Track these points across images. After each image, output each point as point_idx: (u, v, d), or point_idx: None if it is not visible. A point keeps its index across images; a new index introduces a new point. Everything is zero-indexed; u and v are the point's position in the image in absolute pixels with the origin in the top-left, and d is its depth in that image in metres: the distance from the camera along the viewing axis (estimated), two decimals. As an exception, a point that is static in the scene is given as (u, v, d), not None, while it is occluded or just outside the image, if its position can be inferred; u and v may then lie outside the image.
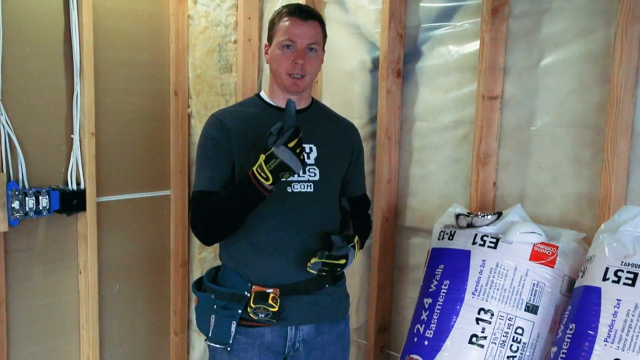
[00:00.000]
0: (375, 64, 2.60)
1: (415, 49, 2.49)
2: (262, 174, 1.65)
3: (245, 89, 3.07)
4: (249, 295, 1.86)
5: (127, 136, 2.94)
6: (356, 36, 2.68)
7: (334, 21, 2.78)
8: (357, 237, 1.89)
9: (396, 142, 2.54)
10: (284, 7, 1.90)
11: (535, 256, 1.86)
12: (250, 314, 1.85)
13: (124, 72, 2.90)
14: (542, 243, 1.89)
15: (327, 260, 1.78)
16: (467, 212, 2.13)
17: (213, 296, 1.91)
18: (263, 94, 1.97)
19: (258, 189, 1.68)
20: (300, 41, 1.83)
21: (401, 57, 2.51)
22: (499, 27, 2.15)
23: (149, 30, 2.99)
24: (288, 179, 1.82)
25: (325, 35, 1.92)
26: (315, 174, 1.89)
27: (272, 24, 1.90)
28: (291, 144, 1.61)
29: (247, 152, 1.77)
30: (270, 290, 1.86)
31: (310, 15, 1.86)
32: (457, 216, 2.08)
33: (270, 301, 1.83)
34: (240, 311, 1.86)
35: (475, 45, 2.26)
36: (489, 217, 2.03)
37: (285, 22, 1.85)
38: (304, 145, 1.86)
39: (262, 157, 1.65)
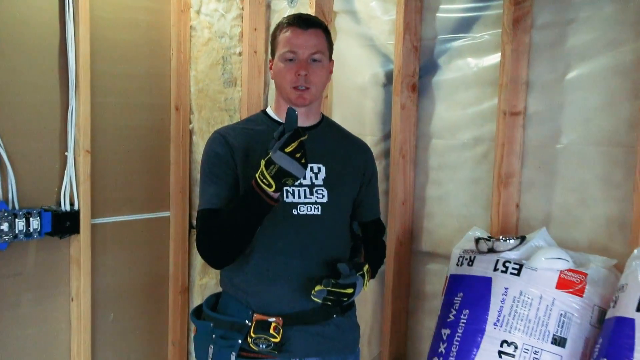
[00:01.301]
0: (388, 77, 2.61)
1: (431, 61, 2.49)
2: (264, 180, 1.65)
3: (250, 104, 3.08)
4: (249, 324, 1.84)
5: (125, 154, 2.94)
6: (369, 48, 2.69)
7: (345, 32, 2.80)
8: (367, 266, 1.87)
9: (411, 161, 2.53)
10: (284, 17, 1.92)
11: (562, 284, 1.84)
12: (251, 345, 1.83)
13: (122, 86, 2.92)
14: (569, 270, 1.87)
15: (332, 289, 1.76)
16: (488, 236, 2.11)
17: (212, 324, 1.89)
18: (269, 110, 1.98)
19: (262, 197, 1.67)
20: (302, 51, 1.84)
21: (416, 71, 2.51)
22: (521, 39, 2.15)
23: (149, 41, 3.01)
24: (294, 201, 1.81)
25: (330, 44, 1.93)
26: (323, 196, 1.88)
27: (274, 37, 1.91)
28: (289, 148, 1.60)
29: (252, 171, 1.76)
30: (273, 320, 1.84)
31: (311, 24, 1.87)
32: (477, 240, 2.07)
33: (271, 331, 1.82)
34: (240, 341, 1.84)
35: (495, 58, 2.26)
36: (512, 241, 2.01)
37: (285, 34, 1.86)
38: (312, 164, 1.85)
39: (263, 162, 1.65)
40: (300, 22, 1.86)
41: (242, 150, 1.87)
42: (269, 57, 1.96)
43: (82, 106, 2.69)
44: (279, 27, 1.89)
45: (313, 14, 2.70)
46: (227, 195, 1.84)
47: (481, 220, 2.31)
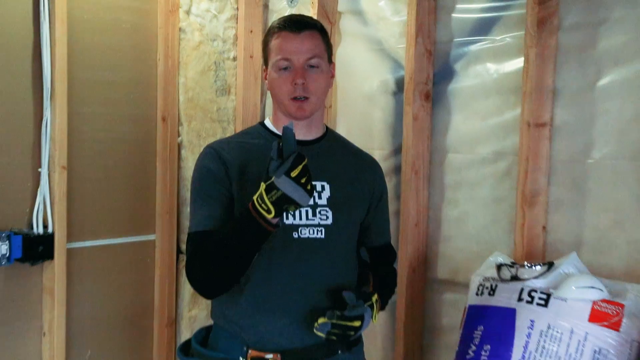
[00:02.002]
0: (399, 85, 2.61)
1: (446, 67, 2.50)
2: (262, 205, 1.64)
3: (245, 115, 3.08)
4: (244, 361, 1.84)
5: (105, 170, 2.94)
6: (377, 52, 2.70)
7: (351, 35, 2.81)
8: (376, 295, 1.86)
9: (425, 178, 2.54)
10: (274, 21, 1.92)
11: (596, 316, 1.83)
12: (245, 385, 1.82)
13: (103, 95, 2.92)
14: (603, 300, 1.86)
15: (337, 322, 1.75)
16: (511, 262, 2.11)
17: (201, 363, 1.88)
18: (268, 122, 1.97)
19: (260, 222, 1.67)
20: (297, 58, 1.84)
21: (430, 77, 2.52)
22: (547, 42, 2.15)
23: (134, 45, 3.02)
24: (295, 223, 1.81)
25: (328, 45, 1.93)
26: (327, 218, 1.88)
27: (265, 44, 1.91)
28: (294, 173, 1.60)
29: (249, 190, 1.76)
30: (270, 356, 1.83)
31: (303, 25, 1.87)
32: (499, 267, 2.06)
33: (269, 369, 1.81)
34: (233, 381, 1.83)
35: (518, 63, 2.27)
36: (538, 268, 2.01)
37: (276, 40, 1.86)
38: (314, 182, 1.85)
39: (263, 185, 1.64)
40: (291, 24, 1.86)
41: (237, 167, 1.87)
42: (263, 65, 1.97)
43: (58, 117, 2.69)
44: (270, 32, 1.89)
45: (315, 15, 2.71)
46: (221, 216, 1.84)
47: (503, 244, 2.31)
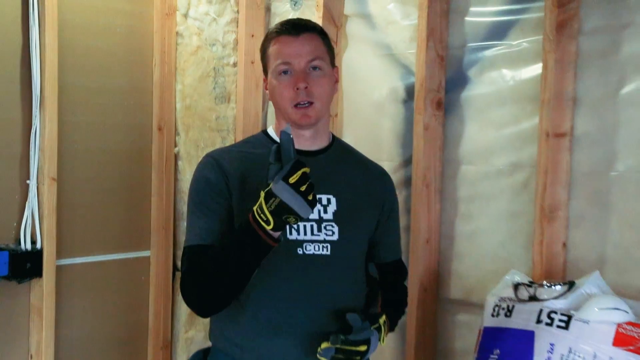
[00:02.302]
0: (409, 92, 2.61)
1: (460, 74, 2.50)
2: (262, 215, 1.63)
3: (246, 123, 3.08)
4: (243, 386, 1.83)
5: (98, 182, 2.94)
6: (386, 58, 2.70)
7: (358, 40, 2.81)
8: (384, 317, 1.85)
9: (437, 191, 2.53)
10: (272, 27, 1.93)
11: (621, 340, 1.81)
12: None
13: (96, 102, 2.92)
14: (629, 323, 1.84)
15: (342, 347, 1.73)
16: (529, 281, 2.10)
17: (198, 388, 1.87)
18: (270, 131, 1.97)
19: (260, 235, 1.65)
20: (297, 61, 1.83)
21: (442, 84, 2.51)
22: (567, 47, 2.15)
23: (128, 50, 3.02)
24: (299, 239, 1.80)
25: (330, 48, 1.93)
26: (333, 233, 1.86)
27: (264, 51, 1.92)
28: (292, 179, 1.58)
29: (249, 203, 1.75)
30: (272, 380, 1.82)
31: (303, 28, 1.87)
32: (517, 286, 2.06)
33: (269, 394, 1.80)
34: (232, 408, 1.82)
35: (536, 70, 2.26)
36: (558, 287, 2.00)
37: (275, 44, 1.87)
38: (320, 195, 1.83)
39: (263, 194, 1.63)
40: (289, 28, 1.86)
41: (238, 178, 1.86)
42: (263, 75, 1.97)
43: (48, 126, 2.69)
44: (267, 39, 1.90)
45: (320, 18, 2.72)
46: (220, 230, 1.82)
47: (521, 262, 2.30)
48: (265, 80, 1.93)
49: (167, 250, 3.17)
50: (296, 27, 1.86)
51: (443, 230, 2.54)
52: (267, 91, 1.92)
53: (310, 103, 1.83)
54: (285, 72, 1.84)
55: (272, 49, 1.87)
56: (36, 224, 2.69)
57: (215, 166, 1.88)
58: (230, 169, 1.86)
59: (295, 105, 1.83)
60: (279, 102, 1.87)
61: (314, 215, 1.85)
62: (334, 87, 1.93)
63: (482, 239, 2.43)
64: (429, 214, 2.52)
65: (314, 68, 1.84)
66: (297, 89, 1.81)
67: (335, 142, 2.00)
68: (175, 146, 3.18)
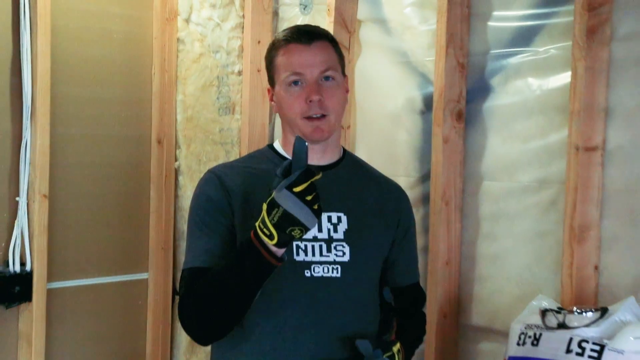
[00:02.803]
0: (427, 103, 2.61)
1: (482, 83, 2.49)
2: (264, 229, 1.63)
3: (252, 136, 3.08)
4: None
5: (92, 199, 2.95)
6: (402, 66, 2.70)
7: (372, 46, 2.81)
8: (398, 345, 1.84)
9: (457, 209, 2.52)
10: (278, 34, 1.93)
11: (659, 372, 1.79)
12: None
13: (91, 114, 2.94)
14: (667, 353, 1.82)
15: None
16: (558, 307, 2.08)
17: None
18: (277, 145, 1.98)
19: (262, 254, 1.65)
20: (310, 71, 1.83)
21: (463, 94, 2.51)
22: (598, 54, 2.14)
23: (126, 58, 3.04)
24: (307, 260, 1.80)
25: (341, 57, 1.94)
26: (344, 254, 1.86)
27: (270, 61, 1.92)
28: (298, 188, 1.58)
29: (253, 222, 1.75)
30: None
31: (314, 36, 1.87)
32: (544, 312, 2.04)
33: None
34: None
35: (564, 78, 2.25)
36: (589, 314, 1.98)
37: (284, 55, 1.87)
38: (330, 213, 1.84)
39: (265, 206, 1.63)
40: (300, 35, 1.86)
41: (241, 195, 1.86)
42: (268, 86, 1.96)
43: (40, 139, 2.70)
44: (275, 47, 1.90)
45: (332, 23, 2.73)
46: (221, 251, 1.83)
47: (549, 286, 2.28)
48: (271, 91, 1.93)
49: (167, 272, 3.17)
50: (307, 35, 1.86)
51: (464, 251, 2.53)
52: (273, 103, 1.92)
53: (324, 115, 1.83)
54: (296, 82, 1.84)
55: (281, 58, 1.87)
56: (26, 244, 2.69)
57: (217, 183, 1.88)
58: (233, 186, 1.87)
59: (307, 118, 1.83)
60: (288, 115, 1.87)
61: (323, 235, 1.85)
62: (346, 97, 1.94)
63: (507, 261, 2.42)
64: (448, 233, 2.51)
65: (327, 78, 1.85)
66: (310, 101, 1.82)
67: (347, 156, 2.00)
68: (176, 160, 3.19)
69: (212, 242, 1.84)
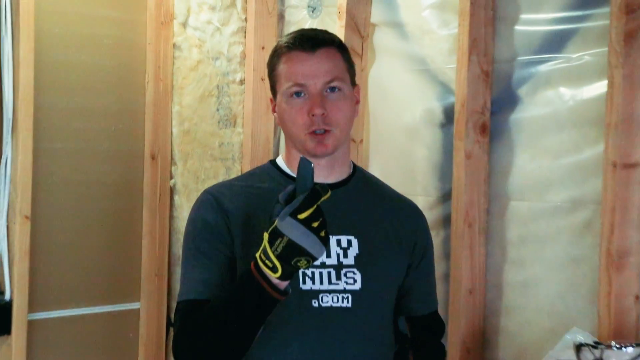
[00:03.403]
0: (448, 114, 2.61)
1: (508, 93, 2.49)
2: (267, 262, 1.62)
3: (255, 151, 3.09)
4: None
5: (79, 221, 2.95)
6: (420, 74, 2.71)
7: (387, 52, 2.81)
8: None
9: (481, 232, 2.52)
10: (281, 40, 1.92)
11: None
12: None
13: (78, 127, 2.94)
14: None
15: None
16: (595, 342, 2.06)
17: None
18: (280, 161, 1.98)
19: (264, 287, 1.64)
20: (313, 82, 1.83)
21: (487, 105, 2.51)
22: (637, 60, 2.13)
23: (117, 65, 3.05)
24: (314, 288, 1.80)
25: (351, 65, 1.93)
26: (355, 281, 1.85)
27: (272, 69, 1.92)
28: (303, 215, 1.57)
29: (255, 248, 1.75)
30: None
31: (319, 42, 1.87)
32: (579, 347, 2.03)
33: None
34: None
35: (600, 88, 2.25)
36: (630, 350, 1.96)
37: (285, 62, 1.87)
38: (339, 237, 1.84)
39: (266, 236, 1.62)
40: (303, 42, 1.86)
41: (241, 218, 1.86)
42: (270, 96, 1.97)
43: (22, 154, 2.71)
44: (276, 54, 1.90)
45: (343, 27, 2.73)
46: (219, 281, 1.83)
47: (584, 318, 2.27)
48: (273, 101, 1.93)
49: (160, 301, 3.16)
50: (311, 41, 1.86)
51: (489, 278, 2.53)
52: (276, 114, 1.92)
53: (327, 130, 1.83)
54: (298, 94, 1.84)
55: (283, 67, 1.87)
56: (5, 271, 2.70)
57: (214, 205, 1.88)
58: (231, 208, 1.87)
59: (311, 133, 1.83)
60: (290, 129, 1.87)
61: (332, 260, 1.84)
62: (355, 109, 1.93)
63: (537, 289, 2.41)
64: (471, 259, 2.50)
65: (332, 89, 1.84)
66: (313, 115, 1.81)
67: (357, 173, 2.00)
68: (171, 178, 3.19)
69: (209, 272, 1.84)
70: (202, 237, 1.87)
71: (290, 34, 1.92)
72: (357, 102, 1.94)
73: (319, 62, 1.84)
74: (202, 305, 1.79)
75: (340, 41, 1.93)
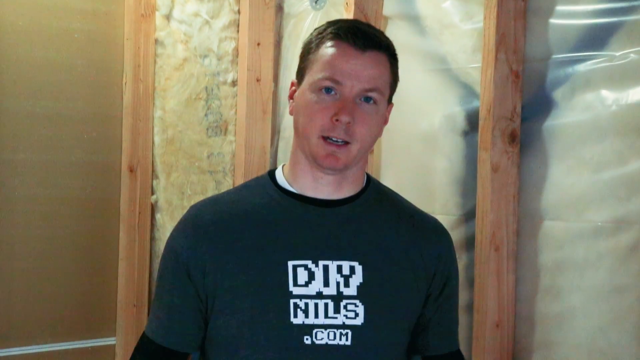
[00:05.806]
0: (472, 121, 2.62)
1: (541, 96, 2.50)
2: None
3: (249, 163, 3.08)
4: None
5: (45, 244, 2.95)
6: (440, 74, 2.72)
7: (401, 49, 2.77)
8: None
9: (510, 256, 2.53)
10: (330, 23, 1.89)
11: None
12: None
13: (45, 135, 2.95)
14: None
15: None
16: (642, 385, 2.07)
17: None
18: (279, 174, 1.95)
19: None
20: (351, 83, 1.80)
21: (517, 110, 2.52)
22: (690, 58, 2.15)
23: (89, 64, 3.06)
24: (307, 323, 1.78)
25: (395, 79, 1.91)
26: (356, 315, 1.83)
27: (307, 50, 1.88)
28: None
29: (239, 276, 1.76)
30: None
31: (372, 43, 1.84)
32: (623, 391, 2.02)
33: None
34: None
35: (647, 90, 2.26)
36: (681, 393, 1.96)
37: (328, 49, 1.83)
38: (339, 262, 1.83)
39: None
40: (356, 37, 1.82)
41: (221, 245, 1.85)
42: (294, 78, 1.92)
43: (-21, 166, 2.72)
44: (320, 36, 1.86)
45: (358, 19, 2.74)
46: (182, 326, 1.87)
47: (629, 355, 2.27)
48: (295, 85, 1.90)
49: (139, 336, 3.15)
50: (365, 39, 1.82)
51: (519, 310, 2.53)
52: (292, 101, 1.90)
53: (346, 143, 1.80)
54: (328, 90, 1.80)
55: (324, 52, 1.83)
56: (-40, 301, 2.70)
57: (188, 232, 1.88)
58: (212, 232, 1.86)
59: (325, 137, 1.79)
60: (305, 126, 1.82)
61: (331, 290, 1.82)
62: (382, 128, 1.90)
63: (574, 322, 2.41)
64: (499, 287, 2.51)
65: (367, 100, 1.81)
66: (337, 120, 1.77)
67: (371, 187, 1.97)
68: (153, 194, 3.20)
69: (171, 313, 1.88)
70: (172, 269, 1.89)
71: (342, 20, 1.90)
72: (386, 122, 1.92)
73: (365, 65, 1.81)
74: (156, 351, 1.90)
75: (394, 49, 1.90)
